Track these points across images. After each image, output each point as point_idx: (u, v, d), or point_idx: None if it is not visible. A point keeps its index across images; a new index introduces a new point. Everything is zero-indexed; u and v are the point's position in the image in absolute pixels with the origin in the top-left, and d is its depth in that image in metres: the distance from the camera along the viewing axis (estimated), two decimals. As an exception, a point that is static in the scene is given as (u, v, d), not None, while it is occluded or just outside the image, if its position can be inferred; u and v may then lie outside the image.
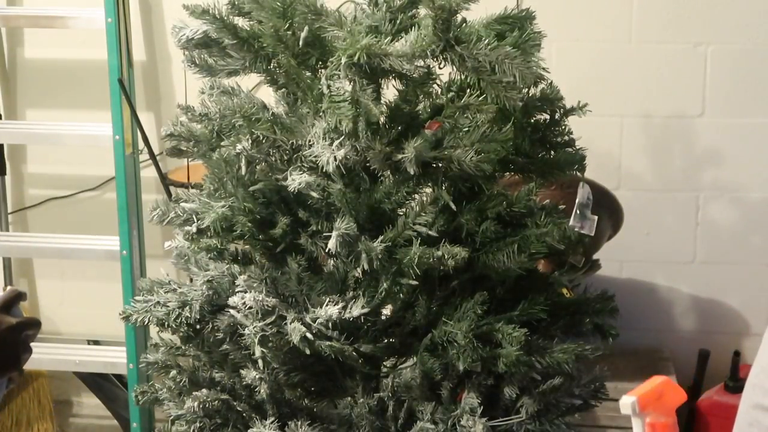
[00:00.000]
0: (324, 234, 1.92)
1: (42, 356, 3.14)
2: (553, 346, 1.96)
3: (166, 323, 2.01)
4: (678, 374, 2.99)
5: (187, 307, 2.00)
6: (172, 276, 2.18)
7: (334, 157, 1.81)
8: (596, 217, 2.16)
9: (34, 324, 1.56)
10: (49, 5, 3.22)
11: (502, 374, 1.96)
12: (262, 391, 2.04)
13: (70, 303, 3.54)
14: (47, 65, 3.36)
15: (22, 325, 1.53)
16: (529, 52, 1.84)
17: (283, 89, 1.97)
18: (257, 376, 2.03)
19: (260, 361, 1.96)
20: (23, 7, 3.29)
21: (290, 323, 1.89)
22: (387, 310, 2.02)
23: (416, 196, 1.92)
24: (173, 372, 2.13)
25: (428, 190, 1.91)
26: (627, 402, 1.47)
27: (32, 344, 1.53)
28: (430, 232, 1.87)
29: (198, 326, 2.03)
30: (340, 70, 1.77)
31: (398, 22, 1.86)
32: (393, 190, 1.89)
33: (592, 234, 2.14)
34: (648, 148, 3.18)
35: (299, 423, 2.01)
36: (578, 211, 2.09)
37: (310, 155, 1.85)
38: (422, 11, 1.86)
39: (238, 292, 1.96)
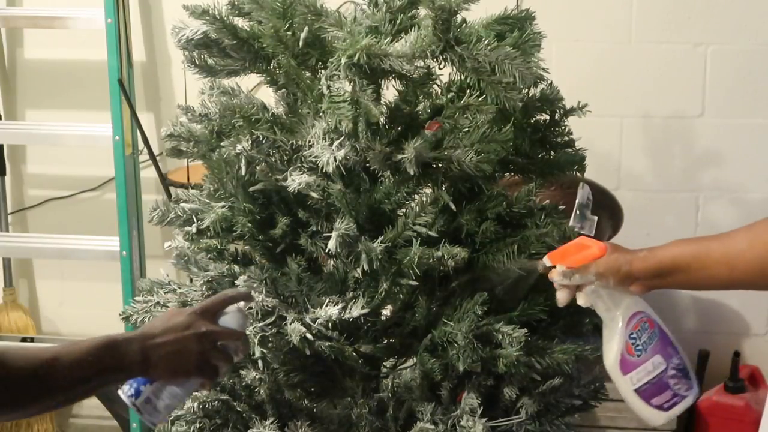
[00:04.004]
0: (324, 234, 1.92)
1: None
2: (552, 347, 1.96)
3: (166, 324, 2.01)
4: (678, 374, 2.99)
5: (187, 308, 2.00)
6: (172, 276, 2.18)
7: (334, 157, 1.81)
8: (596, 218, 2.16)
9: (235, 335, 1.57)
10: (49, 5, 3.22)
11: (501, 375, 1.96)
12: (261, 391, 2.04)
13: (70, 303, 3.54)
14: (47, 65, 3.36)
15: (213, 334, 1.54)
16: (529, 52, 1.84)
17: (283, 90, 1.97)
18: (257, 377, 2.03)
19: (260, 362, 1.96)
20: (23, 8, 3.29)
21: (290, 324, 1.89)
22: (387, 311, 2.02)
23: (416, 196, 1.92)
24: (173, 372, 2.13)
25: (428, 190, 1.91)
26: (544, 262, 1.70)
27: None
28: (430, 233, 1.87)
29: (198, 327, 2.02)
30: (340, 71, 1.77)
31: (398, 22, 1.86)
32: (393, 191, 1.89)
33: (592, 234, 2.13)
34: (648, 149, 3.18)
35: (299, 423, 2.01)
36: (578, 212, 2.09)
37: (310, 155, 1.85)
38: (422, 12, 1.86)
39: (237, 292, 1.96)
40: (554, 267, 1.69)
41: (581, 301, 1.68)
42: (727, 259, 1.56)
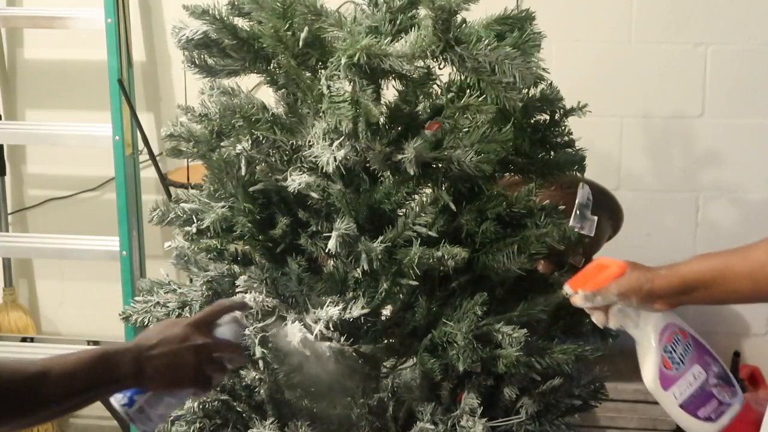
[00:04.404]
0: (324, 234, 1.92)
1: (42, 357, 3.13)
2: (552, 347, 1.96)
3: (166, 324, 2.01)
4: (678, 374, 2.98)
5: (187, 308, 2.00)
6: (172, 276, 2.18)
7: (334, 157, 1.81)
8: (596, 218, 2.16)
9: (231, 347, 1.56)
10: (49, 5, 3.23)
11: (501, 375, 1.96)
12: (261, 391, 2.04)
13: (70, 303, 3.54)
14: (47, 65, 3.36)
15: (209, 346, 1.52)
16: (529, 52, 1.84)
17: (283, 90, 1.97)
18: (257, 377, 2.03)
19: (260, 362, 1.96)
20: (23, 8, 3.29)
21: (290, 324, 1.89)
22: (387, 311, 2.02)
23: (416, 196, 1.92)
24: (173, 372, 2.13)
25: (428, 190, 1.91)
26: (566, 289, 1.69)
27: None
28: (430, 233, 1.87)
29: (198, 327, 2.02)
30: (340, 71, 1.77)
31: (398, 22, 1.86)
32: (393, 191, 1.89)
33: (592, 234, 2.13)
34: (648, 149, 3.18)
35: (299, 423, 2.01)
36: (578, 212, 2.08)
37: (310, 156, 1.85)
38: (422, 12, 1.86)
39: (238, 292, 1.96)
40: (576, 293, 1.68)
41: (610, 323, 1.66)
42: (750, 273, 1.55)
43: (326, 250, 1.89)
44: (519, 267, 1.93)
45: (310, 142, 1.86)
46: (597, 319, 1.68)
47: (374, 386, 2.04)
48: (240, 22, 1.96)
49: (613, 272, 1.64)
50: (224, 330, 1.58)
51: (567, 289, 1.69)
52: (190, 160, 2.35)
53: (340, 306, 1.88)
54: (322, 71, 1.87)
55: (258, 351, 1.91)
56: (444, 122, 1.87)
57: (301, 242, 1.95)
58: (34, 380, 1.39)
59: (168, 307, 2.03)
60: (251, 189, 1.94)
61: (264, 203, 1.96)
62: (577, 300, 1.67)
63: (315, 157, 1.84)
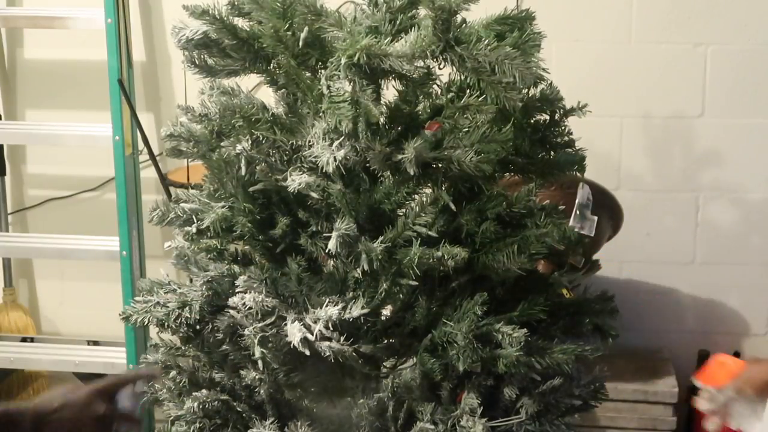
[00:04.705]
0: (324, 234, 1.92)
1: (42, 357, 3.14)
2: (552, 347, 1.96)
3: (166, 324, 2.01)
4: (678, 374, 2.99)
5: (187, 308, 2.00)
6: (172, 276, 2.18)
7: (334, 157, 1.81)
8: (596, 218, 2.16)
9: (131, 420, 1.52)
10: (49, 5, 3.22)
11: (501, 375, 1.96)
12: (261, 391, 2.04)
13: (70, 303, 3.54)
14: (47, 65, 3.36)
15: (112, 417, 1.49)
16: (529, 52, 1.84)
17: (283, 90, 1.97)
18: (257, 377, 2.03)
19: (260, 362, 1.96)
20: (23, 8, 3.29)
21: (290, 324, 1.89)
22: (387, 311, 2.02)
23: (416, 196, 1.92)
24: (173, 372, 2.13)
25: (428, 190, 1.91)
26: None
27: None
28: (430, 233, 1.87)
29: (198, 327, 2.03)
30: (339, 71, 1.77)
31: (398, 22, 1.86)
32: (393, 191, 1.89)
33: (592, 234, 2.14)
34: (648, 149, 3.18)
35: (299, 423, 2.01)
36: (578, 212, 2.09)
37: (310, 156, 1.85)
38: (422, 12, 1.86)
39: (238, 292, 1.96)
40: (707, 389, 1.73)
41: (732, 424, 1.70)
42: None
43: (326, 250, 1.89)
44: (519, 267, 1.93)
45: (310, 142, 1.86)
46: (712, 427, 1.73)
47: (374, 386, 2.04)
48: (240, 22, 1.96)
49: (731, 370, 1.71)
50: (124, 401, 1.54)
51: (696, 382, 1.76)
52: (190, 160, 2.35)
53: (340, 306, 1.88)
54: (322, 71, 1.87)
55: (258, 351, 1.91)
56: (444, 122, 1.87)
57: (301, 242, 1.95)
58: None
59: (168, 307, 2.02)
60: (251, 189, 1.94)
61: (264, 203, 1.96)
62: (702, 402, 1.73)
63: (315, 157, 1.84)
